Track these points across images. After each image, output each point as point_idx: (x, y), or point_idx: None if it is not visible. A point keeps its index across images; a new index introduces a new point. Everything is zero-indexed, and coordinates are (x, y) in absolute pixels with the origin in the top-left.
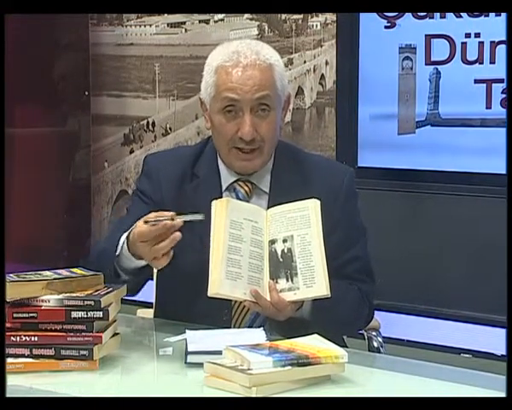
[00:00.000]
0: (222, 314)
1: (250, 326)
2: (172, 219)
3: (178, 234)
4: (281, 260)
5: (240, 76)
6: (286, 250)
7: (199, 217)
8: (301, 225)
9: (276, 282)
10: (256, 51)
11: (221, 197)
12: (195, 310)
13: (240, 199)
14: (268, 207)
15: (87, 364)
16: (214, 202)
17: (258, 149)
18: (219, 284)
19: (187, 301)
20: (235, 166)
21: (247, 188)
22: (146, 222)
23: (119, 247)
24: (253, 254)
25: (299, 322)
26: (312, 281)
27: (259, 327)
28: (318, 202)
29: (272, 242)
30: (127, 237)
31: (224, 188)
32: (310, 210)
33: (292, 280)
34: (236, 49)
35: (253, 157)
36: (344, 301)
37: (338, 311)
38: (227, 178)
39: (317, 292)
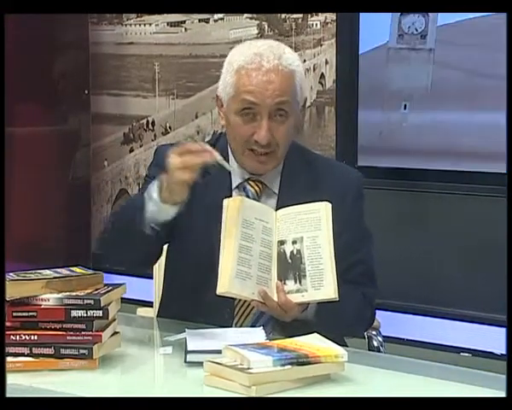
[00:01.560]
0: (224, 313)
1: (252, 326)
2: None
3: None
4: (289, 261)
5: (261, 80)
6: (295, 252)
7: (228, 167)
8: (312, 227)
9: (284, 283)
10: (279, 55)
11: (231, 195)
12: (197, 309)
13: (249, 198)
14: (277, 208)
15: (87, 363)
16: (227, 200)
17: (273, 153)
18: (230, 283)
19: (189, 300)
20: (248, 167)
21: (257, 188)
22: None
23: (151, 192)
24: (262, 254)
25: (303, 323)
26: (321, 284)
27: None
28: (330, 205)
29: (281, 242)
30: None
31: (234, 186)
32: (321, 212)
33: (300, 282)
34: (259, 52)
35: (267, 160)
36: (348, 305)
37: (342, 314)
38: (238, 176)
39: (325, 295)
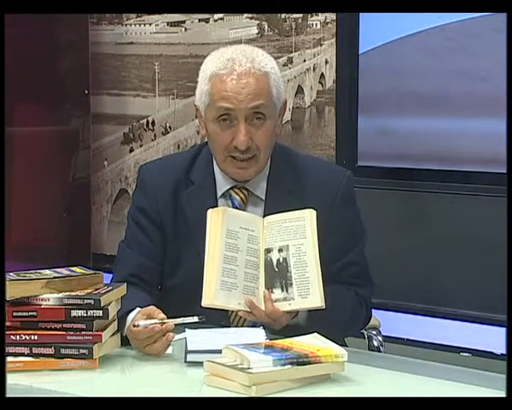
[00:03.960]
0: (220, 321)
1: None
2: (163, 323)
3: (171, 335)
4: (276, 269)
5: (234, 85)
6: (281, 260)
7: (193, 319)
8: (297, 235)
9: (272, 291)
10: (251, 59)
11: (216, 204)
12: (194, 314)
13: (235, 206)
14: (264, 215)
15: (87, 363)
16: (210, 211)
17: (254, 158)
18: (214, 295)
19: (184, 308)
20: (230, 174)
21: (242, 195)
22: (135, 325)
23: (125, 329)
24: (248, 264)
25: (296, 329)
26: (307, 292)
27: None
28: (314, 213)
29: (268, 250)
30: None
31: (219, 195)
32: (306, 220)
33: (287, 290)
34: (231, 57)
35: (249, 165)
36: (341, 307)
37: (334, 317)
38: (222, 184)
39: (311, 303)
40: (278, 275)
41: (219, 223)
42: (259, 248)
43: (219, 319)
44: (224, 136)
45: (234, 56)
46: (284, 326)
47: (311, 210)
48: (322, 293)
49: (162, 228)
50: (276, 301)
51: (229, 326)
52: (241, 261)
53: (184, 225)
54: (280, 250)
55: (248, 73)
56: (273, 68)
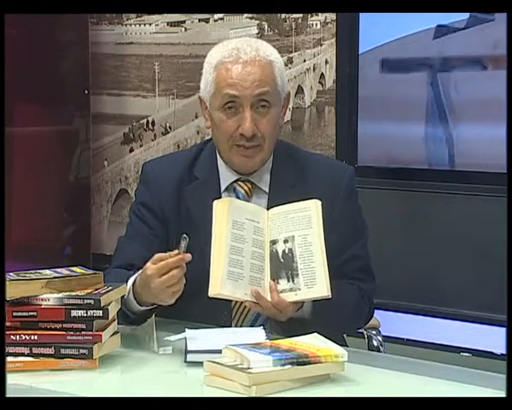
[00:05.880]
0: (222, 316)
1: (251, 326)
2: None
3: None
4: (282, 260)
5: (240, 72)
6: (287, 251)
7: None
8: (302, 225)
9: (277, 282)
10: (256, 48)
11: (220, 198)
12: (195, 311)
13: (240, 199)
14: (268, 207)
15: (87, 363)
16: (216, 202)
17: (259, 147)
18: (221, 285)
19: (187, 302)
20: (236, 164)
21: (246, 188)
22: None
23: (126, 292)
24: (254, 255)
25: (300, 322)
26: (313, 282)
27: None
28: (319, 203)
29: (273, 242)
30: (133, 283)
31: (223, 188)
32: (311, 211)
33: (293, 281)
34: (236, 46)
35: (254, 154)
36: (344, 301)
37: (338, 311)
38: (226, 178)
39: (317, 293)
40: (284, 266)
41: (225, 213)
42: (265, 240)
43: (221, 313)
44: (229, 124)
45: (239, 46)
46: (288, 323)
47: (317, 200)
48: (329, 282)
49: (165, 224)
50: (282, 291)
51: (230, 326)
52: (246, 252)
53: (188, 221)
54: (285, 241)
55: (254, 61)
56: (277, 58)
